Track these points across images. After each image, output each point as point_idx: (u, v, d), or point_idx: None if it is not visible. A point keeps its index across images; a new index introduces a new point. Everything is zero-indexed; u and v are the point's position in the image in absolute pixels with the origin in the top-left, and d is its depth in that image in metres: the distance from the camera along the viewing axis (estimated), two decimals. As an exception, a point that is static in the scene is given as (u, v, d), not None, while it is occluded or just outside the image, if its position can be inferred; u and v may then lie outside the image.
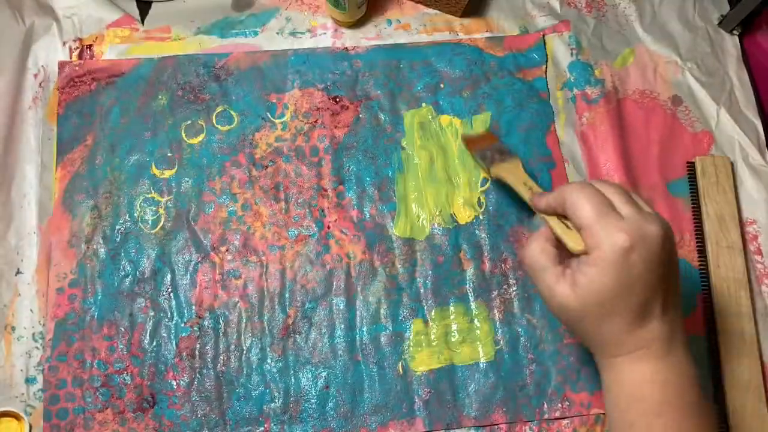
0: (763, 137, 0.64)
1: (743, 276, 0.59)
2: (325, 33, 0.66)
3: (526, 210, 0.58)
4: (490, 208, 0.60)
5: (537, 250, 0.44)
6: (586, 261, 0.41)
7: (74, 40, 0.63)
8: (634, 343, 0.41)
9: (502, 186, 0.57)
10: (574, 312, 0.42)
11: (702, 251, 0.60)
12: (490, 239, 0.59)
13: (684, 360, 0.42)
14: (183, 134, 0.61)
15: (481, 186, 0.61)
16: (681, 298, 0.43)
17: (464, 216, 0.60)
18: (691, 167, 0.63)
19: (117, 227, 0.58)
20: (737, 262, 0.59)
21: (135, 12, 0.65)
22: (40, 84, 0.62)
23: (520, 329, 0.57)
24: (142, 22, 0.65)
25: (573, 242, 0.43)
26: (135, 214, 0.59)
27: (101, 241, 0.58)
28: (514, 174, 0.53)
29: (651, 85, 0.66)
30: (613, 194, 0.42)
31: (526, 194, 0.51)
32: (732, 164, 0.63)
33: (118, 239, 0.58)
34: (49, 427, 0.53)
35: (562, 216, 0.44)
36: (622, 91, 0.65)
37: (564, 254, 0.44)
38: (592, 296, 0.41)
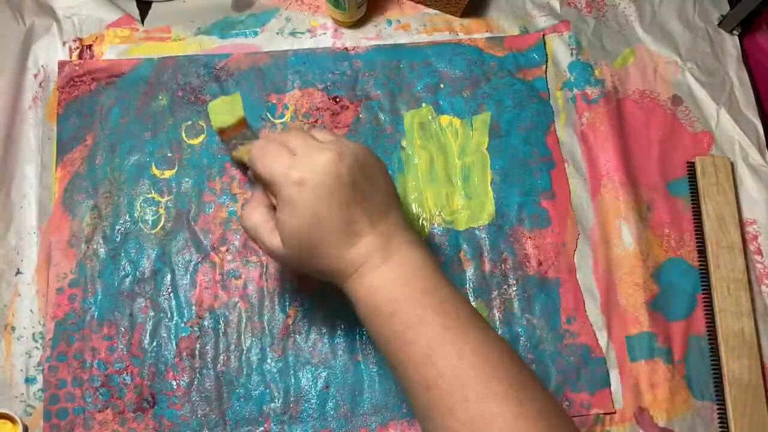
0: (763, 137, 0.64)
1: (743, 276, 0.59)
2: (325, 33, 0.66)
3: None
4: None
5: (250, 211, 0.45)
6: (277, 209, 0.42)
7: (74, 40, 0.63)
8: (351, 264, 0.42)
9: (241, 166, 0.57)
10: (289, 258, 0.43)
11: (702, 251, 0.60)
12: (489, 239, 0.59)
13: (407, 256, 0.42)
14: (183, 135, 0.61)
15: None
16: (394, 203, 0.44)
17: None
18: (691, 167, 0.63)
19: (117, 227, 0.58)
20: (737, 262, 0.59)
21: (135, 12, 0.65)
22: (40, 84, 0.62)
23: (520, 329, 0.57)
24: (142, 22, 0.65)
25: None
26: (135, 214, 0.59)
27: (101, 241, 0.58)
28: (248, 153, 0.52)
29: (651, 85, 0.66)
30: (288, 139, 0.43)
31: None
32: (732, 164, 0.63)
33: (118, 239, 0.58)
34: (48, 427, 0.53)
35: None
36: (622, 91, 0.65)
37: None
38: (293, 238, 0.42)
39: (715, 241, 0.60)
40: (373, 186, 0.43)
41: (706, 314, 0.58)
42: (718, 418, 0.56)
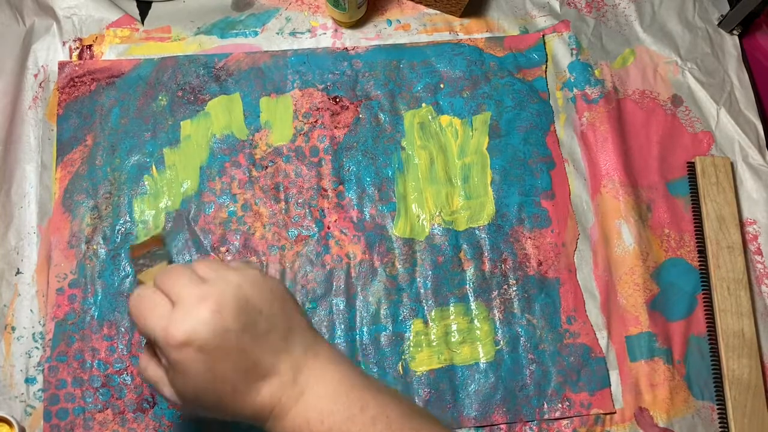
0: (763, 137, 0.64)
1: (743, 276, 0.59)
2: (325, 33, 0.66)
3: None
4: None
5: (144, 365, 0.40)
6: (167, 371, 0.38)
7: (74, 40, 0.63)
8: (264, 409, 0.38)
9: None
10: (195, 412, 0.40)
11: (702, 251, 0.60)
12: (489, 239, 0.59)
13: (324, 383, 0.39)
14: (183, 135, 0.61)
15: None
16: (298, 325, 0.40)
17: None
18: (691, 167, 0.63)
19: (117, 227, 0.58)
20: (737, 262, 0.59)
21: (135, 12, 0.65)
22: (40, 84, 0.62)
23: (520, 329, 0.57)
24: (142, 22, 0.65)
25: None
26: (135, 215, 0.59)
27: (101, 242, 0.58)
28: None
29: (651, 85, 0.66)
30: (167, 283, 0.38)
31: None
32: (732, 164, 0.63)
33: (118, 239, 0.58)
34: (49, 427, 0.53)
35: None
36: (622, 92, 0.65)
37: None
38: (192, 400, 0.38)
39: (715, 241, 0.60)
40: (269, 318, 0.38)
41: (706, 314, 0.58)
42: (718, 418, 0.56)
